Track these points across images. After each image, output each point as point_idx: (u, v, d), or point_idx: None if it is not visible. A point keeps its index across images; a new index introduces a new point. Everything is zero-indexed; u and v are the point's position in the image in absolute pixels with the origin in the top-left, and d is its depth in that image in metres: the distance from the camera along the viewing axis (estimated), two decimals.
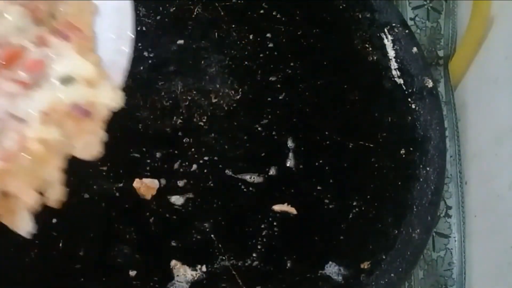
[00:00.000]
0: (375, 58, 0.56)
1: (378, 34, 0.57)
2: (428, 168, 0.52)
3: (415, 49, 0.56)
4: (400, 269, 0.49)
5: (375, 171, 0.52)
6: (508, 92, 0.53)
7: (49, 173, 0.44)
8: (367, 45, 0.56)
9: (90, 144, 0.46)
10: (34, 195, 0.43)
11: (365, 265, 0.49)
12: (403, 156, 0.53)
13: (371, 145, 0.53)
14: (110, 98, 0.47)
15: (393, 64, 0.56)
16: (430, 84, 0.55)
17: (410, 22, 0.61)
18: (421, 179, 0.52)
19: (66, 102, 0.45)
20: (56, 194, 0.44)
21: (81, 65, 0.46)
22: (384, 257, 0.49)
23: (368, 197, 0.51)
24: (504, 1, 0.55)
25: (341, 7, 0.57)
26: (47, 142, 0.43)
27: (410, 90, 0.55)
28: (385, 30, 0.57)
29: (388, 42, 0.56)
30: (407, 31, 0.57)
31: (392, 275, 0.48)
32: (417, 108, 0.54)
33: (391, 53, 0.56)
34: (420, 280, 0.54)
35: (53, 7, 0.48)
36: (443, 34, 0.63)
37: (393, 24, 0.57)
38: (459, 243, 0.55)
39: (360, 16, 0.57)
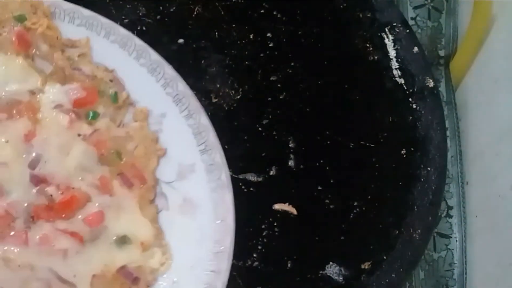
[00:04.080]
0: (375, 57, 0.56)
1: (379, 34, 0.56)
2: (429, 168, 0.52)
3: (416, 49, 0.56)
4: (401, 269, 0.49)
5: (376, 171, 0.52)
6: (509, 92, 0.52)
7: None
8: (367, 45, 0.56)
9: None
10: None
11: (366, 265, 0.48)
12: (404, 156, 0.52)
13: (372, 145, 0.53)
14: (159, 263, 0.42)
15: (394, 64, 0.56)
16: (431, 84, 0.55)
17: (411, 22, 0.61)
18: (422, 179, 0.52)
19: (117, 264, 0.40)
20: None
21: (139, 226, 0.42)
22: (385, 257, 0.49)
23: (369, 197, 0.51)
24: (505, 1, 0.55)
25: (341, 6, 0.57)
26: None
27: (411, 90, 0.55)
28: (386, 29, 0.57)
29: (389, 42, 0.56)
30: (408, 30, 0.57)
31: (393, 275, 0.48)
32: (418, 108, 0.54)
33: (392, 53, 0.56)
34: (421, 280, 0.54)
35: (120, 144, 0.44)
36: (444, 34, 0.62)
37: (394, 24, 0.57)
38: (460, 243, 0.55)
39: (360, 16, 0.57)
